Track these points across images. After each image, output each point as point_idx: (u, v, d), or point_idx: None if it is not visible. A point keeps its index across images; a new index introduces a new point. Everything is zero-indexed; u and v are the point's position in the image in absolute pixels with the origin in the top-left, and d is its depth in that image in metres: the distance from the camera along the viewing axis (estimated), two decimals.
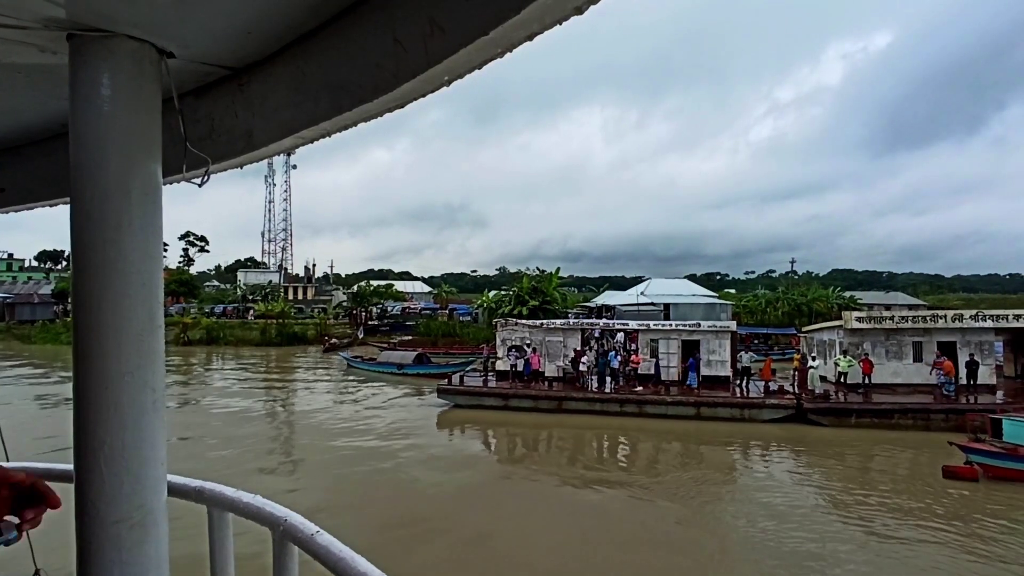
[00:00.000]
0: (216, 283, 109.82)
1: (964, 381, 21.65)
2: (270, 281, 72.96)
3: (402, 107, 1.18)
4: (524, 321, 27.42)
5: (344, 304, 61.60)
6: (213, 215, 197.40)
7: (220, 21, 1.23)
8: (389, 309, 61.53)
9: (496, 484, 15.36)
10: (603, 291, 63.91)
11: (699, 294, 52.87)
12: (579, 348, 24.48)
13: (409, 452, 17.92)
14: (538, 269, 50.05)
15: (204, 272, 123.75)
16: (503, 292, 49.96)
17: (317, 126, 1.28)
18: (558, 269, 47.80)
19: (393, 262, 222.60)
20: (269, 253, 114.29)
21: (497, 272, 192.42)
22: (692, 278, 76.76)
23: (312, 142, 1.43)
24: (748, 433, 19.90)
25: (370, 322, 55.63)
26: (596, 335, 25.24)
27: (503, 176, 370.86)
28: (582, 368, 24.03)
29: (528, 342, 25.41)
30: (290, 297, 69.93)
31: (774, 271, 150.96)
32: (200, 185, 1.60)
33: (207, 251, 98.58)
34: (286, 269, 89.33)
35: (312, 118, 1.27)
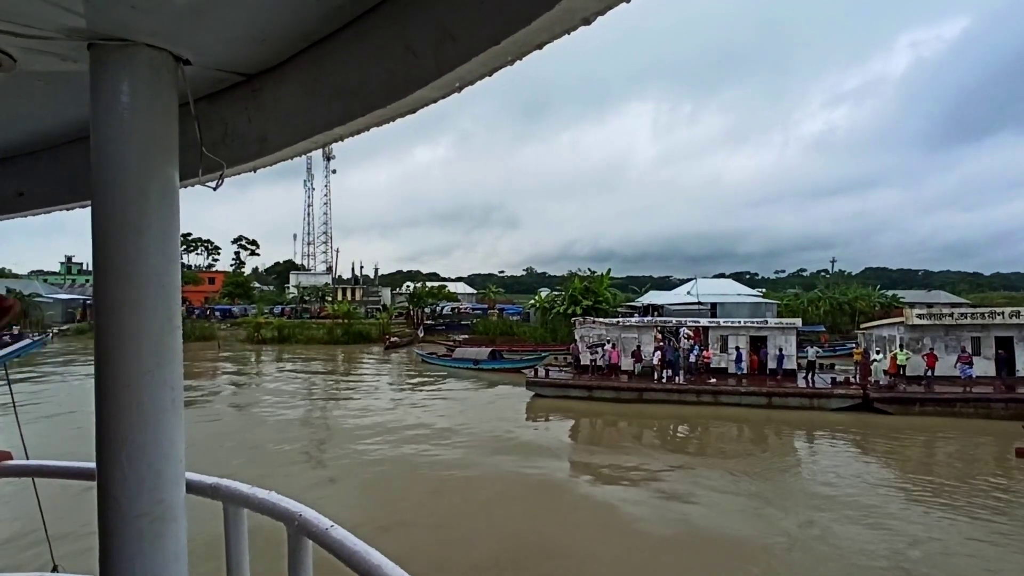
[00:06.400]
0: (258, 285, 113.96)
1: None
2: (326, 284, 76.37)
3: (414, 112, 1.22)
4: (601, 320, 29.72)
5: (403, 304, 64.59)
6: (248, 218, 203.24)
7: (235, 29, 1.28)
8: (439, 309, 64.28)
9: (596, 455, 17.64)
10: (645, 291, 65.87)
11: (743, 293, 54.68)
12: (661, 344, 26.57)
13: (515, 429, 20.37)
14: (589, 270, 52.30)
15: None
16: (556, 292, 52.45)
17: (330, 131, 1.32)
18: (609, 270, 49.92)
19: (421, 263, 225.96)
20: (308, 255, 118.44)
21: (524, 273, 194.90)
22: (721, 276, 78.40)
23: (324, 147, 1.46)
24: (819, 420, 21.84)
25: (426, 322, 58.40)
26: (677, 332, 27.34)
27: (542, 174, 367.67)
28: (655, 362, 26.26)
29: (608, 339, 27.67)
30: (339, 298, 73.04)
31: (805, 270, 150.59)
32: (215, 189, 1.63)
33: (257, 254, 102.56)
34: (332, 271, 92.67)
35: (325, 123, 1.31)
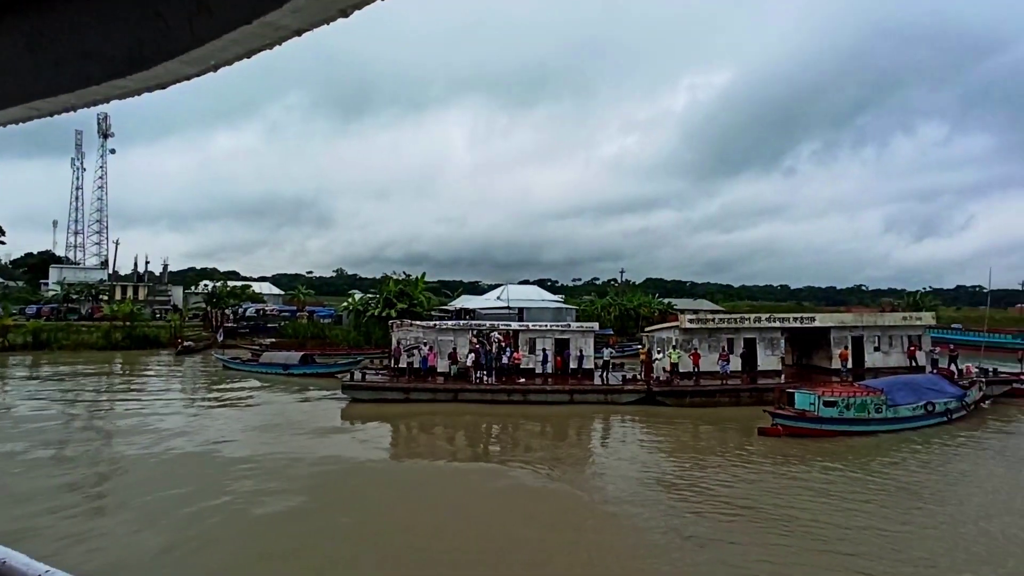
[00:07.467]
0: (1, 279, 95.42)
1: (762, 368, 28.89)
2: (101, 280, 66.03)
3: (163, 87, 1.04)
4: (419, 323, 30.19)
5: (199, 305, 58.53)
6: None
7: None
8: (242, 311, 59.52)
9: (415, 455, 18.30)
10: (458, 295, 67.89)
11: (547, 299, 59.09)
12: (476, 347, 27.83)
13: (330, 435, 20.10)
14: (404, 273, 52.13)
15: None
16: (370, 295, 51.70)
17: (57, 98, 1.08)
18: (424, 274, 50.53)
19: (219, 260, 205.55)
20: (76, 247, 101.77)
21: (335, 274, 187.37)
22: (525, 283, 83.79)
23: (51, 116, 1.21)
24: (613, 412, 24.84)
25: (227, 324, 53.68)
26: (490, 335, 28.79)
27: (359, 174, 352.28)
28: (469, 364, 27.52)
29: (425, 342, 28.25)
30: (118, 297, 64.02)
31: (598, 279, 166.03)
32: None
33: (3, 243, 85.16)
34: (108, 265, 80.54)
35: (51, 87, 1.06)
